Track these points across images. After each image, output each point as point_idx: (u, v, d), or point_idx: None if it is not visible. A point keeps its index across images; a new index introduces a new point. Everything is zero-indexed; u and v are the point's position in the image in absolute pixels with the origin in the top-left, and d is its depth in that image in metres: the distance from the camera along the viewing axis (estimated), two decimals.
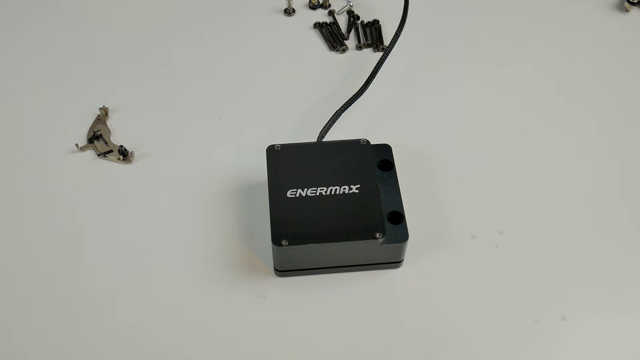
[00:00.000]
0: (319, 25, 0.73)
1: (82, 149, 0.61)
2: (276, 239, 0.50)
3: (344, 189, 0.53)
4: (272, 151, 0.55)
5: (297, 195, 0.52)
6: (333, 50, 0.71)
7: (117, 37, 0.72)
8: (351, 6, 0.74)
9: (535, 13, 0.74)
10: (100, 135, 0.61)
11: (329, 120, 0.60)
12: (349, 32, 0.72)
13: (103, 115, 0.63)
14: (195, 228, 0.57)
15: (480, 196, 0.59)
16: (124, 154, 0.60)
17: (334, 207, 0.52)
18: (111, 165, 0.60)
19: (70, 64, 0.69)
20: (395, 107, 0.66)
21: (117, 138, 0.62)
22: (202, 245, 0.55)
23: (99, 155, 0.60)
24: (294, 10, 0.74)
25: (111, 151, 0.60)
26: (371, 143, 0.56)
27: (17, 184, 0.59)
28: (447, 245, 0.56)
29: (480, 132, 0.63)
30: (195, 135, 0.63)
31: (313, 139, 0.59)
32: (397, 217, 0.53)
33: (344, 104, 0.62)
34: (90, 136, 0.61)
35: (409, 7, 0.69)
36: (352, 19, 0.73)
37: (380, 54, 0.67)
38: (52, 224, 0.57)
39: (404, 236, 0.52)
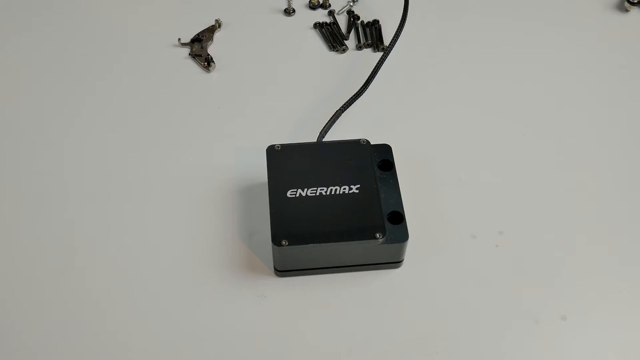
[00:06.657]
0: (319, 25, 0.73)
1: (182, 45, 0.70)
2: (276, 239, 0.50)
3: (344, 189, 0.53)
4: (272, 151, 0.55)
5: (297, 195, 0.52)
6: (333, 50, 0.71)
7: None
8: (352, 5, 0.74)
9: (535, 13, 0.74)
10: (202, 39, 0.69)
11: (329, 120, 0.60)
12: (349, 32, 0.72)
13: (216, 27, 0.71)
14: (195, 228, 0.57)
15: (480, 196, 0.59)
16: (208, 62, 0.67)
17: (334, 207, 0.52)
18: (193, 68, 0.68)
19: None
20: (395, 107, 0.65)
21: None
22: (202, 245, 0.55)
23: (189, 54, 0.68)
24: (294, 10, 0.74)
25: (200, 55, 0.68)
26: (371, 143, 0.56)
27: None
28: (447, 246, 0.56)
29: (481, 132, 0.63)
30: (195, 135, 0.63)
31: (313, 139, 0.59)
32: (397, 217, 0.53)
33: (344, 104, 0.62)
34: (193, 37, 0.69)
35: (409, 7, 0.69)
36: (352, 19, 0.73)
37: (380, 54, 0.67)
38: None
39: (404, 236, 0.52)
